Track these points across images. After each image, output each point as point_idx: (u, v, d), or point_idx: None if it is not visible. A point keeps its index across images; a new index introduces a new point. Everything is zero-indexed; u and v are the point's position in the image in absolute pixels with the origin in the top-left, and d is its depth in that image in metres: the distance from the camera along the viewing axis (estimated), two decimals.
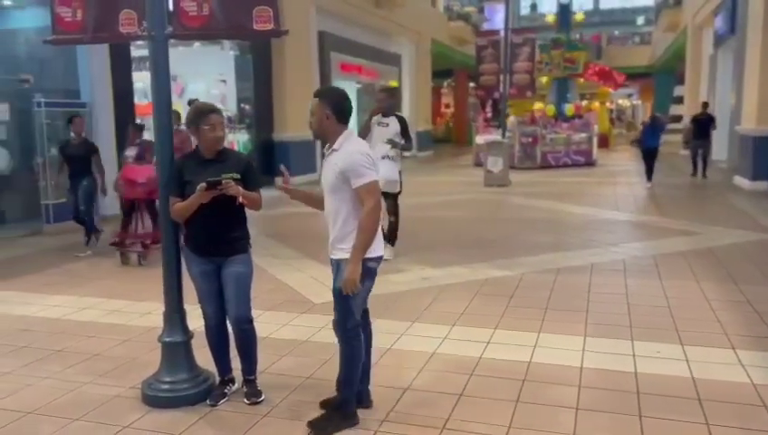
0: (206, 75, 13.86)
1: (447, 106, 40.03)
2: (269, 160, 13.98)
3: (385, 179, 5.95)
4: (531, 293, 5.54)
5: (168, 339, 3.52)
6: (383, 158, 6.36)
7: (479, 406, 3.39)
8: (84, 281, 6.29)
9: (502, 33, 15.48)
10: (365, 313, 3.29)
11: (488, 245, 7.69)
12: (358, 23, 18.13)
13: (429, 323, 4.78)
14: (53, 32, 3.53)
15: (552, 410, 3.31)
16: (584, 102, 24.79)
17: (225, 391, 3.53)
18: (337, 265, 3.10)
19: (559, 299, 5.35)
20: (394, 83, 22.16)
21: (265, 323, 4.81)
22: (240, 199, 3.26)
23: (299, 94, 14.47)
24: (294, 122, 14.37)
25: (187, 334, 3.58)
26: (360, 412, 3.26)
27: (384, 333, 4.51)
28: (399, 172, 6.73)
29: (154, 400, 3.42)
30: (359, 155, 3.02)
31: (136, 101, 11.06)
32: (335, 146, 3.08)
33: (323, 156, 3.19)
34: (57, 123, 9.37)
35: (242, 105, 14.56)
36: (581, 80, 26.31)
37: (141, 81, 11.51)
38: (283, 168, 3.41)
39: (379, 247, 3.11)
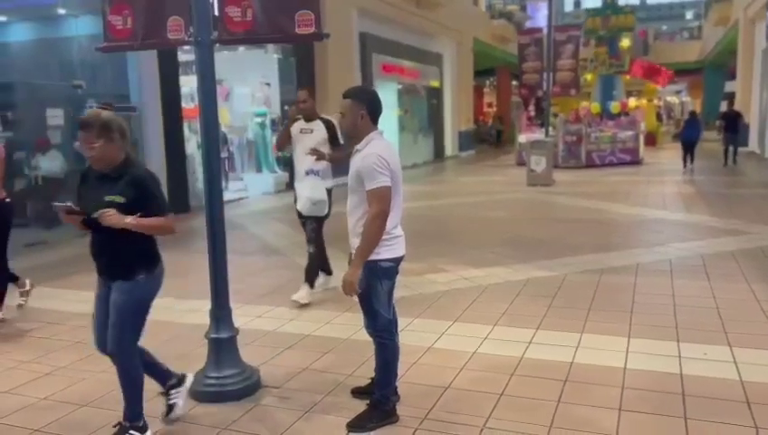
0: (250, 78, 14.11)
1: (490, 105, 39.75)
2: None
3: (306, 199, 5.31)
4: (574, 293, 5.48)
5: (214, 335, 3.63)
6: (307, 173, 5.35)
7: (520, 406, 3.38)
8: None
9: (545, 31, 15.28)
10: (393, 311, 3.28)
11: (530, 245, 7.62)
12: (399, 23, 18.18)
13: (470, 322, 4.78)
14: (105, 39, 3.68)
15: (595, 411, 3.28)
16: (631, 100, 24.31)
17: (171, 401, 3.23)
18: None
19: (602, 299, 5.28)
20: (435, 83, 22.15)
21: (307, 321, 4.91)
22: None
23: (340, 96, 14.62)
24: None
25: (233, 331, 3.68)
26: (400, 410, 3.29)
27: (425, 333, 4.55)
28: (330, 191, 5.45)
29: (201, 394, 3.53)
30: (374, 157, 3.00)
31: (183, 104, 11.34)
32: (359, 146, 3.11)
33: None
34: None
35: (285, 107, 14.78)
36: (627, 77, 25.80)
37: (188, 84, 11.81)
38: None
39: (399, 247, 3.14)
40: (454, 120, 23.54)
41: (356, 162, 3.07)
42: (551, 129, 16.44)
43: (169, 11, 3.44)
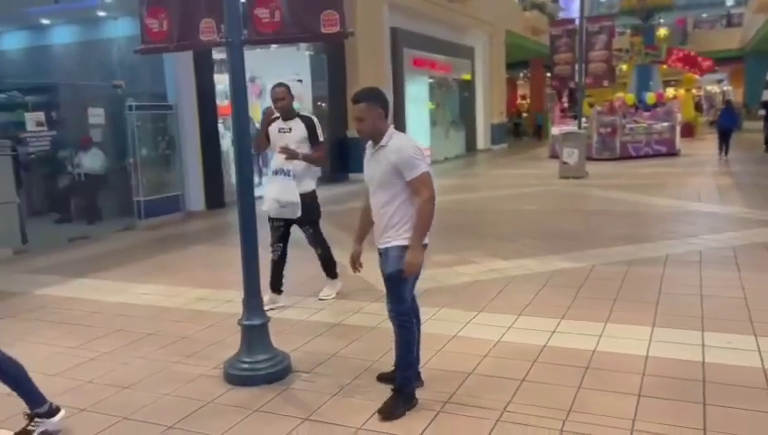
0: (283, 75, 14.31)
1: (524, 97, 39.42)
2: (344, 157, 14.36)
3: (273, 200, 5.01)
4: (600, 284, 5.52)
5: (246, 322, 3.80)
6: (276, 173, 5.06)
7: (540, 391, 3.47)
8: (174, 271, 6.75)
9: (577, 22, 15.14)
10: (413, 298, 3.44)
11: (560, 237, 7.65)
12: (430, 17, 18.19)
13: (495, 312, 4.87)
14: (142, 41, 3.88)
15: (614, 397, 3.35)
16: (668, 90, 23.87)
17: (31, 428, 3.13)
18: (385, 253, 3.25)
19: (629, 290, 5.31)
20: (467, 77, 22.10)
21: (337, 311, 5.06)
22: None
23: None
24: None
25: (265, 318, 3.85)
26: (424, 394, 3.42)
27: (450, 322, 4.66)
28: (312, 193, 5.14)
29: (234, 378, 3.71)
30: (411, 149, 3.16)
31: (218, 102, 11.61)
32: (383, 142, 3.20)
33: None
34: (147, 125, 10.05)
35: (318, 103, 14.98)
36: (665, 66, 25.32)
37: (222, 82, 12.07)
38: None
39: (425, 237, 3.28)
40: (486, 114, 23.45)
41: (386, 157, 3.16)
42: (584, 120, 16.29)
43: (202, 13, 3.62)
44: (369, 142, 3.30)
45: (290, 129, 5.11)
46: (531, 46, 27.21)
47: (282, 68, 14.28)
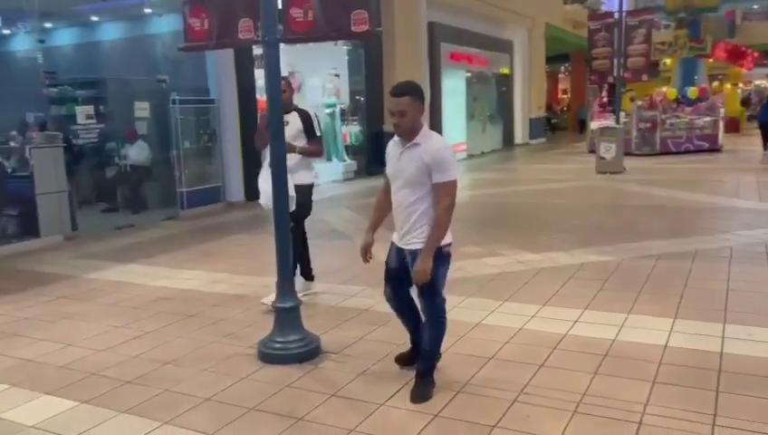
0: (321, 70, 14.60)
1: (565, 92, 38.96)
2: (379, 151, 14.52)
3: (267, 194, 4.75)
4: (627, 277, 5.59)
5: (280, 305, 4.04)
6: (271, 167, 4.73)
7: (558, 375, 3.61)
8: (215, 259, 7.06)
9: (615, 16, 14.99)
10: None
11: (591, 231, 7.70)
12: (468, 12, 18.22)
13: (520, 302, 5.00)
14: (185, 40, 4.13)
15: (629, 382, 3.47)
16: (714, 84, 23.32)
17: None
18: (413, 255, 3.26)
19: (655, 283, 5.37)
20: (505, 71, 22.03)
21: (366, 298, 5.27)
22: None
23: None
24: None
25: (297, 301, 4.08)
26: (444, 375, 3.60)
27: (475, 310, 4.82)
28: (307, 187, 5.13)
29: (268, 356, 3.95)
30: (447, 152, 3.17)
31: (258, 96, 11.93)
32: (417, 140, 3.18)
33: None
34: (190, 119, 10.42)
35: (355, 97, 15.21)
36: (710, 60, 24.73)
37: (262, 78, 12.38)
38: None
39: (449, 235, 3.29)
40: (524, 108, 23.35)
41: (420, 157, 3.13)
42: (624, 115, 16.12)
43: (240, 14, 3.85)
44: (397, 138, 3.29)
45: (287, 122, 4.91)
46: (571, 40, 26.90)
47: (320, 62, 14.56)
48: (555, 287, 5.35)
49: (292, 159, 4.85)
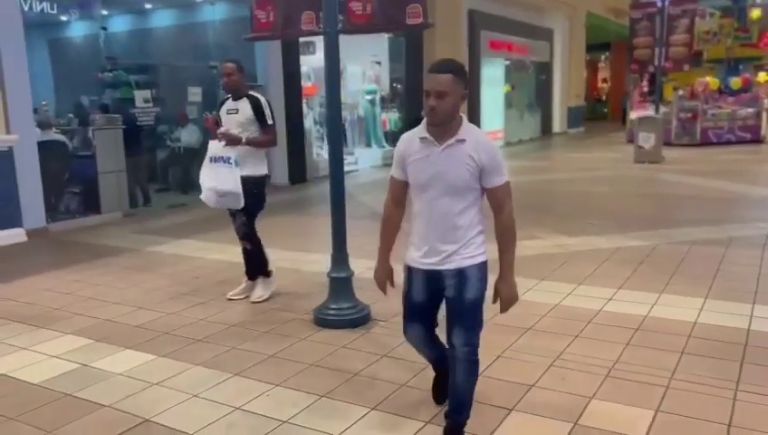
0: (362, 57, 14.90)
1: (605, 81, 38.49)
2: None
3: (209, 190, 4.65)
4: (661, 260, 5.81)
5: (334, 275, 4.40)
6: (213, 160, 4.61)
7: (592, 345, 3.90)
8: (263, 236, 7.39)
9: (659, 5, 14.90)
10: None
11: (627, 218, 7.88)
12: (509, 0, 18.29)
13: (557, 281, 5.27)
14: (252, 30, 4.49)
15: (658, 353, 3.74)
16: (761, 74, 22.84)
17: None
18: (462, 276, 2.62)
19: (688, 266, 5.58)
20: (545, 59, 21.99)
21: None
22: None
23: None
24: None
25: (349, 272, 4.44)
26: (485, 342, 3.90)
27: None
28: (259, 179, 4.76)
29: (323, 321, 4.33)
30: (497, 147, 2.61)
31: (302, 83, 12.30)
32: (461, 135, 2.53)
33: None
34: None
35: (394, 84, 15.49)
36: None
37: (306, 64, 12.75)
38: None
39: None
40: (563, 97, 23.30)
41: (470, 156, 2.51)
42: (663, 106, 16.05)
43: (303, 6, 4.18)
44: (421, 135, 2.59)
45: (236, 110, 4.69)
46: (613, 28, 26.62)
47: (361, 49, 14.86)
48: (591, 268, 5.60)
49: (238, 150, 4.55)
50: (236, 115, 4.70)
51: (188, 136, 11.07)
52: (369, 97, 14.87)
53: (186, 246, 7.10)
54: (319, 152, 12.83)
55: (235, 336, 4.25)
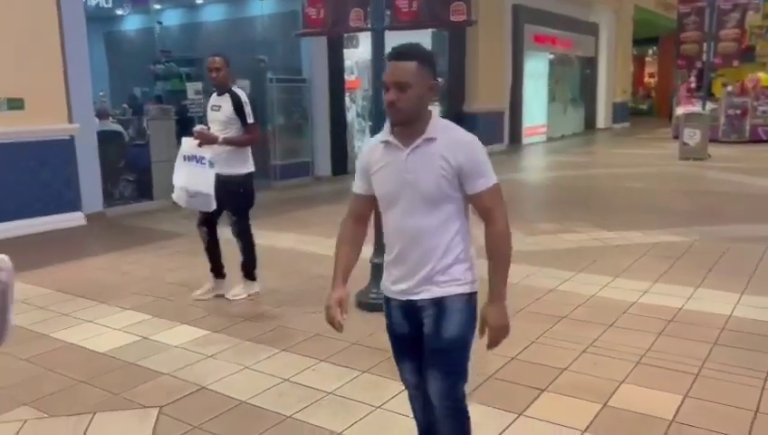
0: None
1: (652, 76, 37.73)
2: None
3: (180, 189, 4.51)
4: (699, 256, 5.84)
5: (375, 260, 4.61)
6: (187, 159, 4.45)
7: (625, 334, 4.01)
8: (306, 225, 7.75)
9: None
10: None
11: (668, 214, 7.88)
12: None
13: (593, 273, 5.37)
14: (303, 26, 4.72)
15: (690, 343, 3.83)
16: None
17: None
18: (440, 308, 2.11)
19: (727, 262, 5.60)
20: (590, 53, 21.74)
21: None
22: None
23: (490, 67, 15.20)
24: (485, 94, 15.15)
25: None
26: (521, 328, 4.06)
27: (549, 278, 5.24)
28: (245, 176, 4.65)
29: (365, 304, 4.55)
30: (477, 145, 2.07)
31: (345, 76, 12.53)
32: (430, 133, 2.04)
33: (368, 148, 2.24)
34: (284, 97, 11.16)
35: (436, 79, 15.57)
36: None
37: (350, 59, 12.97)
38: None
39: (475, 269, 2.18)
40: (608, 91, 23.02)
41: (444, 156, 2.02)
42: (712, 101, 15.76)
43: (352, 4, 4.38)
44: (384, 136, 2.12)
45: (219, 106, 4.54)
46: (660, 22, 26.10)
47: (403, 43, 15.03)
48: (628, 262, 5.68)
49: (216, 150, 4.42)
50: (218, 112, 4.55)
51: None
52: None
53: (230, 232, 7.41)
54: (360, 145, 13.06)
55: (282, 316, 4.50)
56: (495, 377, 3.45)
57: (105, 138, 8.75)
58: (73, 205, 7.82)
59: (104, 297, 4.97)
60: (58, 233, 7.38)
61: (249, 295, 4.87)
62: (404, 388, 2.40)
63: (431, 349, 2.15)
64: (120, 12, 14.63)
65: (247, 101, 4.56)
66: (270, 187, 10.83)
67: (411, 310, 2.17)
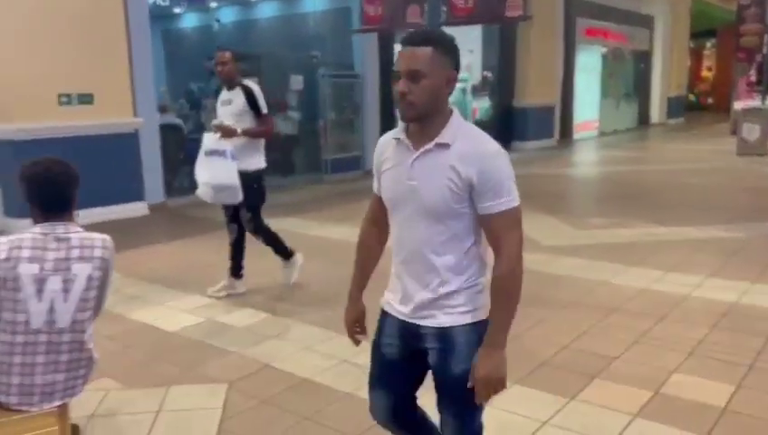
0: None
1: (710, 69, 36.60)
2: (508, 126, 14.93)
3: (205, 185, 4.49)
4: (756, 252, 5.76)
5: None
6: (209, 154, 4.45)
7: (678, 326, 4.04)
8: (357, 218, 7.90)
9: None
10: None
11: (724, 210, 7.75)
12: None
13: (646, 267, 5.37)
14: (361, 23, 4.87)
15: (744, 336, 3.84)
16: None
17: None
18: (446, 338, 1.84)
19: None
20: (644, 47, 21.28)
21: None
22: None
23: (541, 61, 15.08)
24: (535, 89, 15.06)
25: None
26: (571, 321, 4.13)
27: (602, 271, 5.28)
28: (258, 172, 4.61)
29: None
30: (501, 158, 1.76)
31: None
32: (444, 138, 1.76)
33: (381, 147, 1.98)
34: (335, 92, 11.37)
35: (484, 73, 15.57)
36: None
37: None
38: None
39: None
40: (663, 86, 22.49)
41: (455, 166, 1.73)
42: None
43: (409, 0, 4.52)
44: (397, 133, 1.87)
45: (230, 100, 4.56)
46: (718, 14, 25.31)
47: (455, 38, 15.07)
48: (681, 257, 5.65)
49: (235, 142, 4.42)
50: (230, 106, 4.56)
51: (282, 123, 11.69)
52: (460, 85, 15.05)
53: (287, 223, 7.63)
54: None
55: (338, 302, 4.66)
56: (547, 363, 3.54)
57: (165, 131, 9.13)
58: (137, 195, 8.20)
59: (170, 282, 5.26)
60: (123, 222, 7.77)
61: (294, 276, 4.96)
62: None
63: (440, 386, 1.89)
64: (177, 10, 15.17)
65: (260, 92, 4.57)
66: (321, 181, 11.09)
67: (411, 333, 1.89)
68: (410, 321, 1.88)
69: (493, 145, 1.78)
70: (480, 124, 14.93)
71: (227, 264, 4.98)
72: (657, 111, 22.52)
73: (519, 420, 2.94)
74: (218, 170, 4.40)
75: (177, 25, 15.87)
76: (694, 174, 10.85)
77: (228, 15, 14.65)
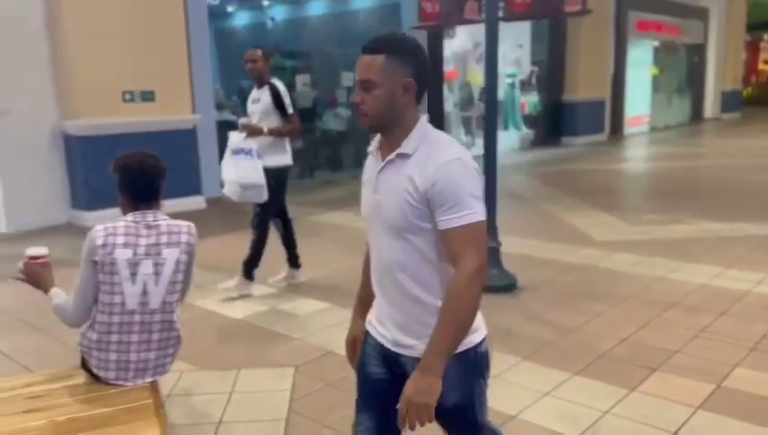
0: (504, 40, 14.96)
1: (766, 62, 35.35)
2: (557, 121, 14.80)
3: (233, 183, 4.51)
4: None
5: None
6: (235, 153, 4.48)
7: (737, 322, 4.01)
8: None
9: None
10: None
11: None
12: None
13: (703, 263, 5.32)
14: (418, 20, 4.96)
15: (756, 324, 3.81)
16: None
17: None
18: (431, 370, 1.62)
19: None
20: (698, 40, 20.73)
21: (556, 252, 5.86)
22: None
23: (591, 55, 14.89)
24: (585, 83, 14.87)
25: (497, 243, 4.83)
26: (629, 315, 4.14)
27: (658, 267, 5.28)
28: (281, 169, 4.65)
29: (487, 288, 4.74)
30: (461, 166, 1.61)
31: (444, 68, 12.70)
32: (406, 148, 1.65)
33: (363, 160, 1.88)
34: None
35: (533, 67, 15.44)
36: None
37: (447, 49, 13.09)
38: None
39: (482, 323, 1.76)
40: (717, 80, 21.87)
41: (412, 177, 1.61)
42: None
43: None
44: (373, 144, 1.79)
45: (259, 99, 4.62)
46: None
47: (504, 32, 14.96)
48: (740, 253, 5.57)
49: (261, 141, 4.48)
50: (257, 105, 4.63)
51: (332, 119, 11.87)
52: (509, 80, 14.96)
53: (339, 217, 7.83)
54: (457, 136, 13.20)
55: None
56: (606, 356, 3.58)
57: (221, 127, 9.39)
58: (196, 189, 8.48)
59: (233, 272, 5.43)
60: (182, 215, 7.78)
61: (240, 295, 4.71)
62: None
63: (438, 417, 1.67)
64: (229, 9, 15.53)
65: (286, 92, 4.63)
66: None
67: (392, 360, 1.76)
68: (390, 348, 1.75)
69: (454, 152, 1.62)
70: (529, 119, 14.98)
71: (285, 256, 5.13)
72: (710, 106, 21.92)
73: (580, 409, 2.99)
74: (245, 169, 4.45)
75: (229, 24, 16.24)
76: (750, 170, 10.57)
77: (279, 13, 14.92)
